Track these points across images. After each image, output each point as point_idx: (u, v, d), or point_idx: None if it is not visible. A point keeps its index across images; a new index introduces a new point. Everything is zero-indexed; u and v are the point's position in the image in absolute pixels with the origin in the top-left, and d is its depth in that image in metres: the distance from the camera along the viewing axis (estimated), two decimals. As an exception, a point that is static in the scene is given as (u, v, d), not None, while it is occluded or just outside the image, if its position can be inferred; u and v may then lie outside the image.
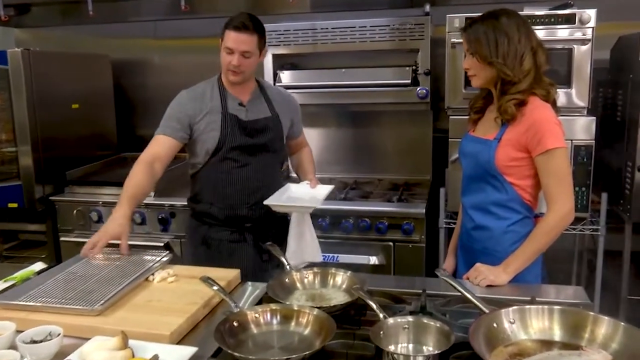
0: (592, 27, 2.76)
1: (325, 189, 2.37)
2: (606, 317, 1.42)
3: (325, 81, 3.42)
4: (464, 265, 2.22)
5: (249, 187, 2.39)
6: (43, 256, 3.50)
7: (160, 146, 2.32)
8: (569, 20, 2.79)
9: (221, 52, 2.32)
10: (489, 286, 1.90)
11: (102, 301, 1.67)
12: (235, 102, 2.39)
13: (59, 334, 1.48)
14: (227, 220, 2.41)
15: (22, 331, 1.48)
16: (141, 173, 2.23)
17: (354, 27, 3.30)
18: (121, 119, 4.18)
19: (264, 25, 3.41)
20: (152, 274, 1.92)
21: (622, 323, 1.39)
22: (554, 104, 2.03)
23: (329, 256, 3.01)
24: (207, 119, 2.34)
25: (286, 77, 3.48)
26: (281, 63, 3.53)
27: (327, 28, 3.34)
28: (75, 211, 3.46)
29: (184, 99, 2.39)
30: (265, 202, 2.17)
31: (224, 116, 2.35)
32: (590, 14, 2.76)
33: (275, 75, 3.48)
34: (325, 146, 3.80)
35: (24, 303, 1.69)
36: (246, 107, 2.40)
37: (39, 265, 2.08)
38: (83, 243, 3.23)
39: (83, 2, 3.81)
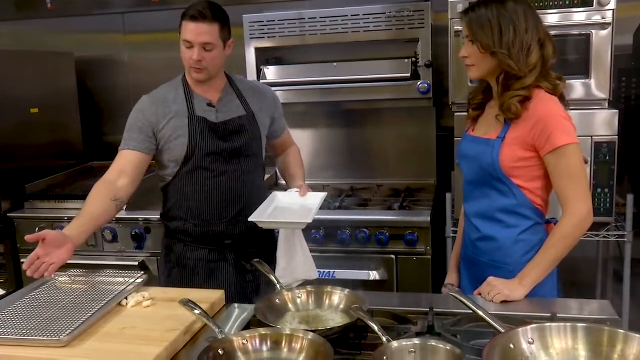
0: (613, 10, 2.78)
1: (317, 198, 2.34)
2: (638, 335, 1.41)
3: (314, 77, 3.43)
4: (469, 280, 2.22)
5: (226, 200, 2.36)
6: (1, 280, 3.48)
7: (125, 161, 2.30)
8: (586, 2, 2.80)
9: (180, 47, 2.29)
10: (503, 302, 1.90)
11: (69, 330, 1.65)
12: (203, 102, 2.36)
13: (21, 369, 1.47)
14: (204, 238, 2.39)
15: (-22, 367, 1.47)
16: (92, 195, 2.21)
17: (346, 15, 3.31)
18: (87, 124, 4.17)
19: (246, 15, 3.44)
20: (126, 298, 1.90)
21: (656, 341, 1.38)
22: (561, 98, 2.04)
23: (324, 272, 3.00)
24: (172, 125, 2.31)
25: (271, 72, 3.48)
26: (265, 57, 3.53)
27: (315, 17, 3.34)
28: (37, 229, 3.42)
29: (144, 105, 2.36)
30: (250, 219, 2.15)
31: (190, 120, 2.31)
32: (610, -6, 2.77)
33: (259, 71, 3.48)
34: (316, 149, 3.79)
35: (-20, 335, 1.67)
36: (216, 108, 2.37)
37: (-3, 292, 2.07)
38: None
39: (40, -7, 3.82)
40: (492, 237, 2.09)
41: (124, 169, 2.29)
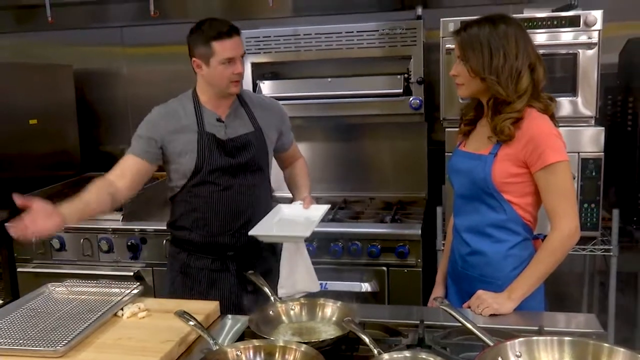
0: (599, 30, 2.81)
1: (319, 211, 2.34)
2: (622, 349, 1.41)
3: (309, 91, 3.44)
4: (456, 294, 2.22)
5: (231, 212, 2.37)
6: (-2, 290, 3.46)
7: (127, 165, 2.31)
8: (573, 22, 2.83)
9: (210, 69, 2.28)
10: (492, 315, 1.90)
11: (66, 341, 1.65)
12: (212, 118, 2.37)
13: (17, 379, 1.46)
14: (208, 248, 2.40)
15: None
16: (90, 184, 2.22)
17: (340, 32, 3.33)
18: (85, 135, 4.16)
19: (242, 31, 3.45)
20: (121, 309, 1.90)
21: None
22: (552, 117, 2.04)
23: (316, 283, 3.00)
24: (182, 139, 2.32)
25: (267, 87, 3.49)
26: (261, 72, 3.55)
27: (310, 34, 3.36)
28: (33, 238, 3.41)
29: (155, 117, 2.37)
30: (250, 233, 2.13)
31: (200, 135, 2.33)
32: (596, 15, 2.80)
33: (254, 85, 3.49)
34: (310, 162, 3.71)
35: (-24, 345, 1.67)
36: (225, 123, 2.38)
37: (-7, 301, 2.06)
38: (43, 274, 3.29)
39: (41, 7, 3.80)
40: (482, 252, 2.09)
41: (125, 172, 2.30)
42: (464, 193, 2.14)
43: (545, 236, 2.02)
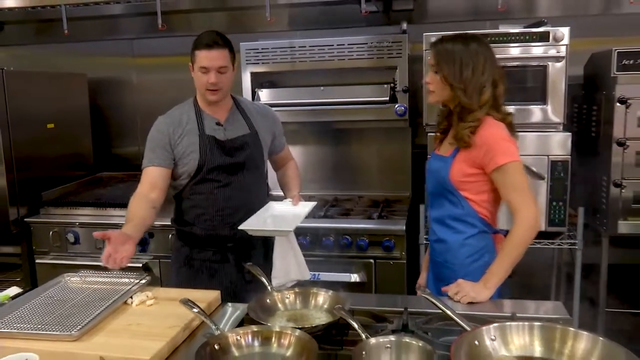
0: (566, 45, 2.84)
1: (306, 207, 2.36)
2: (585, 333, 1.44)
3: (304, 99, 3.44)
4: (432, 278, 2.29)
5: (230, 207, 2.38)
6: (18, 279, 3.44)
7: (153, 176, 2.32)
8: (543, 37, 2.86)
9: (194, 74, 2.32)
10: (470, 303, 1.91)
11: (80, 326, 1.65)
12: (212, 122, 2.39)
13: (36, 361, 1.45)
14: (209, 241, 2.40)
15: (-3, 359, 1.46)
16: (134, 204, 2.25)
17: (332, 45, 3.34)
18: (97, 138, 4.16)
19: (243, 43, 3.46)
20: (131, 297, 1.90)
21: (601, 338, 1.41)
22: (510, 125, 2.09)
23: (310, 274, 2.99)
24: (186, 142, 2.34)
25: (265, 95, 3.49)
26: (259, 81, 3.55)
27: (305, 46, 3.37)
28: (51, 233, 3.41)
29: (161, 125, 2.37)
30: (240, 227, 2.15)
31: (201, 138, 2.34)
32: (564, 31, 2.83)
33: (253, 93, 3.49)
34: (304, 164, 3.79)
35: (-2, 329, 1.66)
36: (224, 126, 2.39)
37: (13, 290, 2.05)
38: (59, 265, 3.28)
39: (58, 21, 3.79)
40: (444, 240, 2.18)
41: (154, 183, 2.31)
42: (432, 190, 2.24)
43: (507, 232, 2.04)
